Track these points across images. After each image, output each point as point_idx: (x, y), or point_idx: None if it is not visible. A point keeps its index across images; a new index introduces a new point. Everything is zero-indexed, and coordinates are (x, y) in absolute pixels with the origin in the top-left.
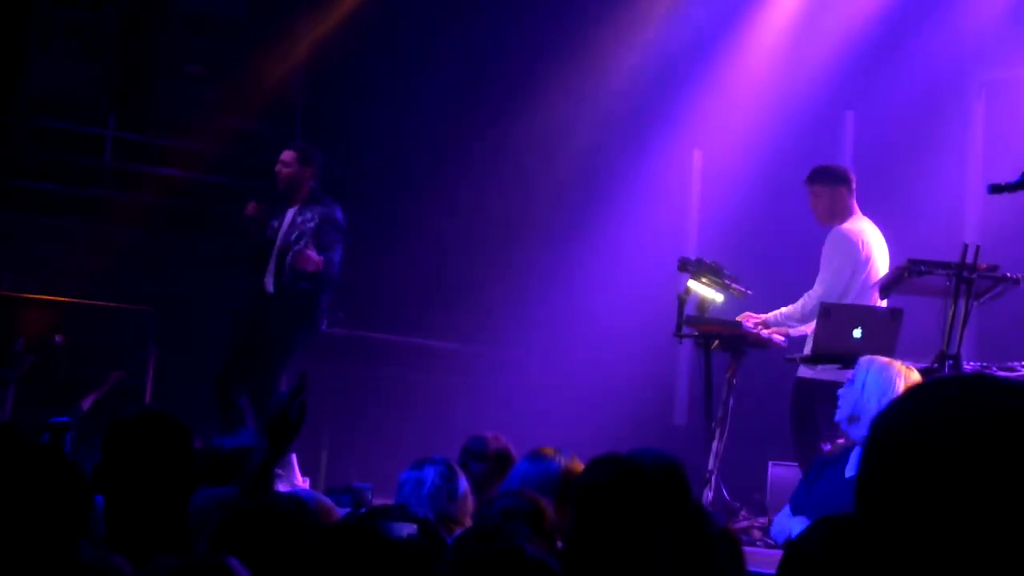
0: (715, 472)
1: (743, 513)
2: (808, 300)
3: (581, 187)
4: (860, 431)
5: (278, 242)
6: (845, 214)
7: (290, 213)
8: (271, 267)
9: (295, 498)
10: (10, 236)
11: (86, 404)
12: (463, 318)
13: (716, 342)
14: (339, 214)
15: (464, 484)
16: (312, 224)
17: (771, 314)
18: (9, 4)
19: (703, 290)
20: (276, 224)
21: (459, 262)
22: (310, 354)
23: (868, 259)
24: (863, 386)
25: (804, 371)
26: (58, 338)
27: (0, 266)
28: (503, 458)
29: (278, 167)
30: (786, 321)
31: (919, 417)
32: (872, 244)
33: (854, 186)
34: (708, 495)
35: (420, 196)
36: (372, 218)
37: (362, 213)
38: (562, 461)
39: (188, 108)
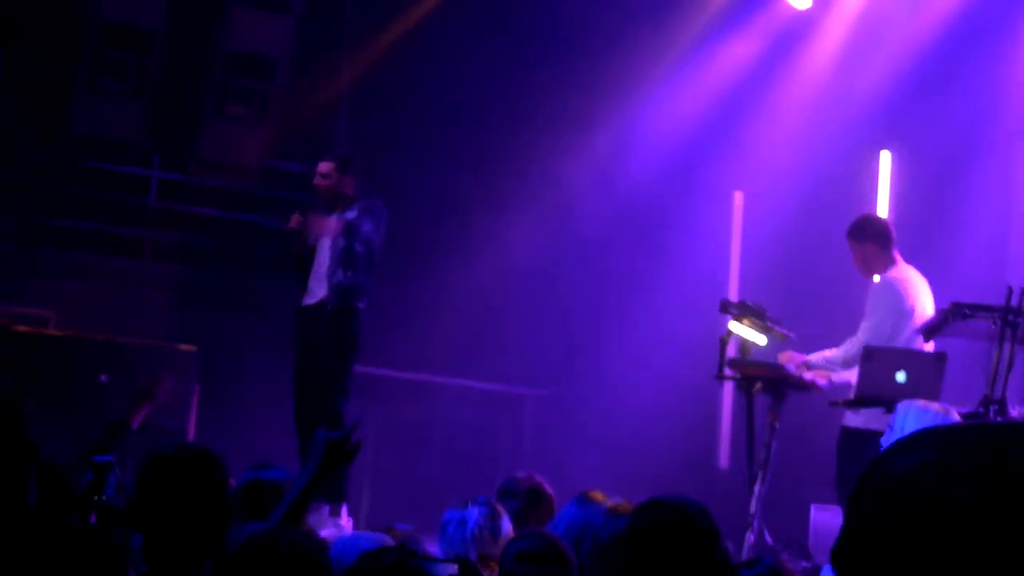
0: (757, 515)
1: (784, 556)
2: (851, 346)
3: (623, 228)
4: None
5: (326, 254)
6: (884, 265)
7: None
8: (317, 281)
9: (314, 537)
10: (56, 275)
11: (136, 422)
12: (507, 360)
13: (758, 385)
14: (378, 203)
15: (507, 524)
16: (353, 214)
17: (814, 356)
18: (57, 44)
19: (745, 332)
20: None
21: (503, 304)
22: (353, 393)
23: (912, 309)
24: (901, 430)
25: (851, 420)
26: (103, 377)
27: (46, 305)
28: (536, 495)
29: (317, 179)
30: (828, 365)
31: (920, 460)
32: (917, 293)
33: (892, 236)
34: (750, 538)
35: (464, 236)
36: (414, 258)
37: (403, 252)
38: (609, 505)
39: (232, 148)
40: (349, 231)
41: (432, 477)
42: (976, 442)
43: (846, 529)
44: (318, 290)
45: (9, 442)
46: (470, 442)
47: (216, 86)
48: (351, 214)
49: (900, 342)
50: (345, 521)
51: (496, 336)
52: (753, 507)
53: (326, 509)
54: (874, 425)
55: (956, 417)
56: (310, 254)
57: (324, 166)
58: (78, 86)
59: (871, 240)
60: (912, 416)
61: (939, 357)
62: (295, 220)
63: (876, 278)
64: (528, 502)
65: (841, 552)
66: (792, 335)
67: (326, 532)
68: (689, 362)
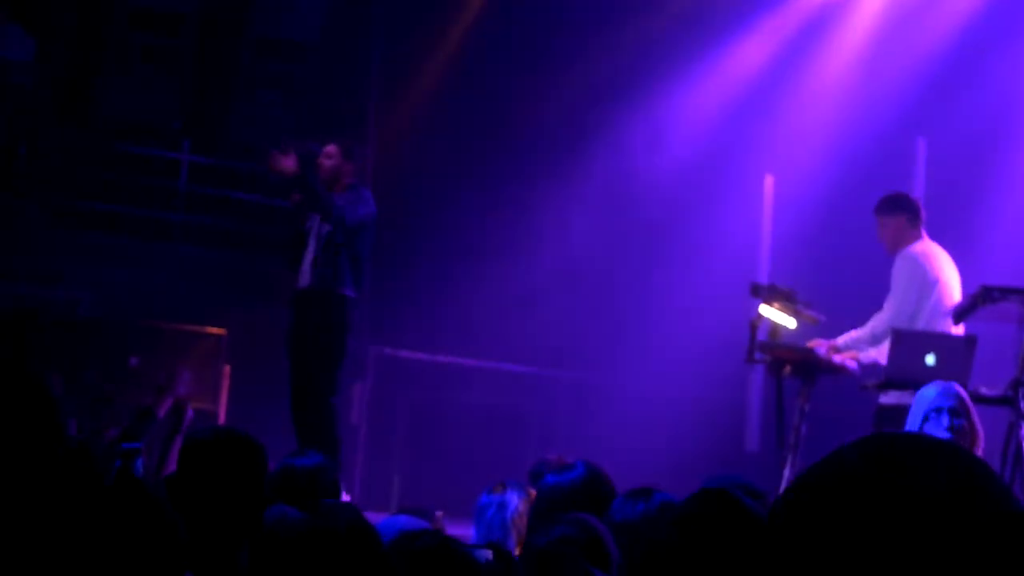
0: None
1: None
2: (877, 323)
3: (655, 213)
4: None
5: (314, 234)
6: (911, 241)
7: None
8: (308, 261)
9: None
10: (86, 258)
11: (161, 411)
12: (537, 343)
13: (788, 368)
14: (367, 192)
15: None
16: (342, 200)
17: (841, 338)
18: (87, 29)
19: (775, 316)
20: (314, 219)
21: (535, 287)
22: (385, 376)
23: (936, 280)
24: (914, 413)
25: (884, 397)
26: (133, 360)
27: (77, 289)
28: None
29: (321, 158)
30: (856, 344)
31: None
32: (941, 266)
33: (922, 214)
34: None
35: (497, 223)
36: (450, 244)
37: (440, 239)
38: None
39: (262, 132)
40: (336, 219)
41: (463, 460)
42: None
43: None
44: (308, 275)
45: (39, 427)
46: (501, 425)
47: (246, 70)
48: (340, 200)
49: (925, 314)
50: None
51: (528, 320)
52: (783, 490)
53: None
54: (907, 400)
55: (960, 393)
56: (302, 239)
57: (330, 148)
58: (109, 71)
59: (903, 212)
60: (919, 396)
61: (969, 340)
62: (296, 198)
63: (900, 253)
64: None
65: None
66: (822, 318)
67: None
68: (719, 345)
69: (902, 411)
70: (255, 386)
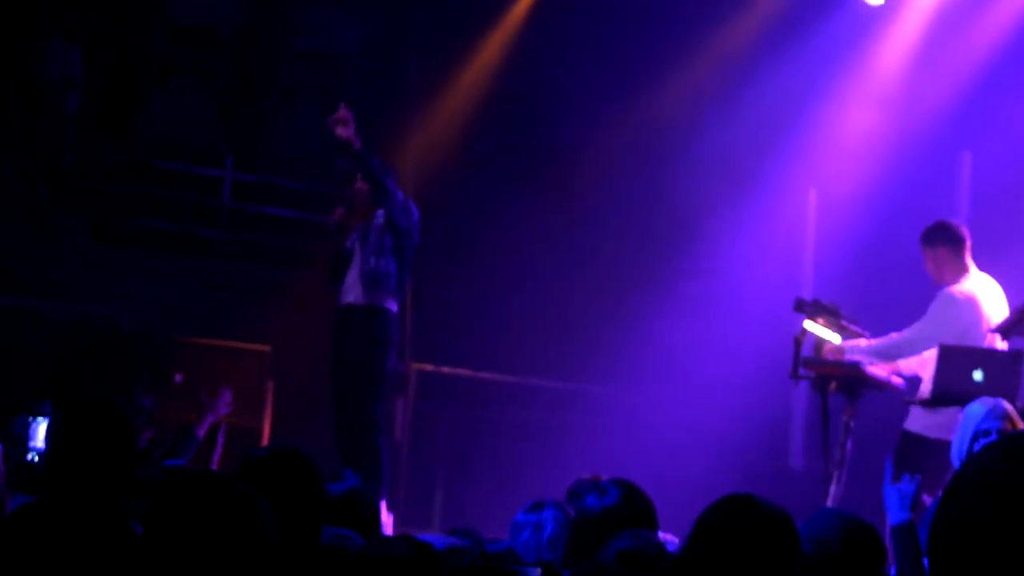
0: None
1: None
2: (891, 341)
3: (695, 226)
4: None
5: (358, 250)
6: (955, 273)
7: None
8: (351, 277)
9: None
10: (129, 276)
11: (201, 431)
12: (578, 358)
13: (833, 384)
14: (411, 205)
15: None
16: (380, 220)
17: (849, 342)
18: (128, 44)
19: (820, 331)
20: (356, 236)
21: (572, 302)
22: (426, 393)
23: (972, 324)
24: (962, 430)
25: (911, 424)
26: (177, 377)
27: (119, 305)
28: None
29: (358, 184)
30: (865, 354)
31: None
32: (981, 306)
33: (966, 241)
34: None
35: (530, 235)
36: (482, 259)
37: (480, 255)
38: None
39: (303, 147)
40: (385, 225)
41: (503, 477)
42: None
43: (937, 521)
44: (352, 290)
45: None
46: (542, 441)
47: (285, 85)
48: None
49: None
50: (385, 517)
51: (565, 334)
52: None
53: None
54: (933, 434)
55: (1008, 410)
56: (348, 255)
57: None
58: (150, 87)
59: (944, 243)
60: (967, 414)
61: (1016, 356)
62: (339, 213)
63: (942, 292)
64: None
65: (935, 542)
66: (867, 334)
67: None
68: (763, 361)
69: (923, 441)
70: (299, 403)
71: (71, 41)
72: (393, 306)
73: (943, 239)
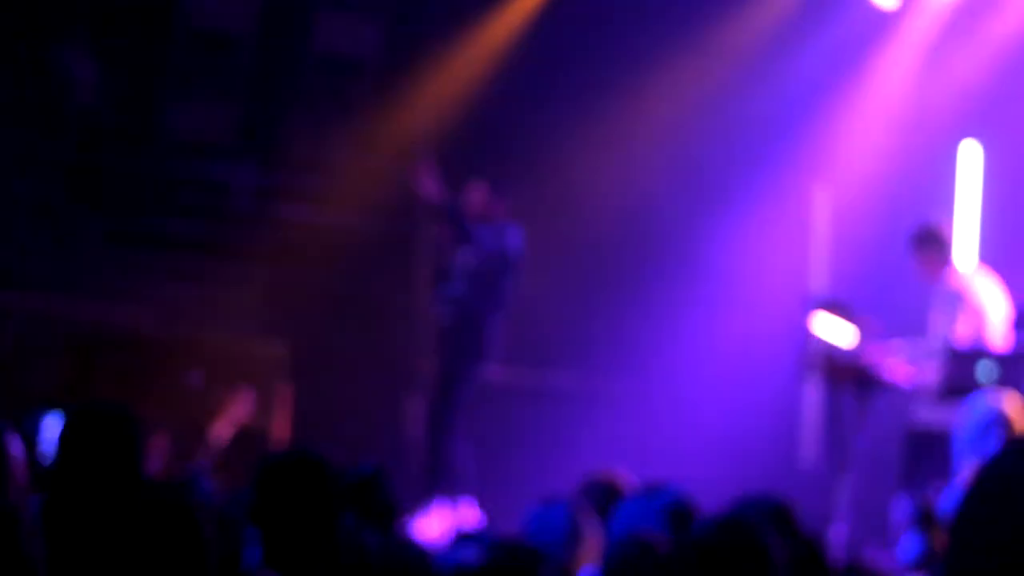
0: (842, 511)
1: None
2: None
3: (705, 221)
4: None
5: (458, 268)
6: (943, 273)
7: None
8: (451, 295)
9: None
10: (150, 277)
11: (219, 433)
12: (588, 353)
13: (844, 383)
14: (512, 229)
15: (593, 524)
16: (483, 231)
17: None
18: (146, 48)
19: (831, 329)
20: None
21: (583, 297)
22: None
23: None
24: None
25: (919, 418)
26: (196, 379)
27: (139, 307)
28: (614, 494)
29: (468, 192)
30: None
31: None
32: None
33: (946, 242)
34: (834, 535)
35: (544, 233)
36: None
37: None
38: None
39: (323, 149)
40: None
41: (514, 473)
42: None
43: (960, 521)
44: (450, 310)
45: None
46: (548, 438)
47: (305, 89)
48: (485, 231)
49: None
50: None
51: (575, 328)
52: (838, 503)
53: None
54: (939, 427)
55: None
56: (445, 274)
57: (474, 184)
58: (169, 89)
59: (927, 245)
60: (971, 409)
61: (1021, 355)
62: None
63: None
64: (606, 501)
65: (955, 541)
66: (878, 331)
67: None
68: (773, 357)
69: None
70: (317, 406)
71: (88, 43)
72: (482, 318)
73: (924, 241)
